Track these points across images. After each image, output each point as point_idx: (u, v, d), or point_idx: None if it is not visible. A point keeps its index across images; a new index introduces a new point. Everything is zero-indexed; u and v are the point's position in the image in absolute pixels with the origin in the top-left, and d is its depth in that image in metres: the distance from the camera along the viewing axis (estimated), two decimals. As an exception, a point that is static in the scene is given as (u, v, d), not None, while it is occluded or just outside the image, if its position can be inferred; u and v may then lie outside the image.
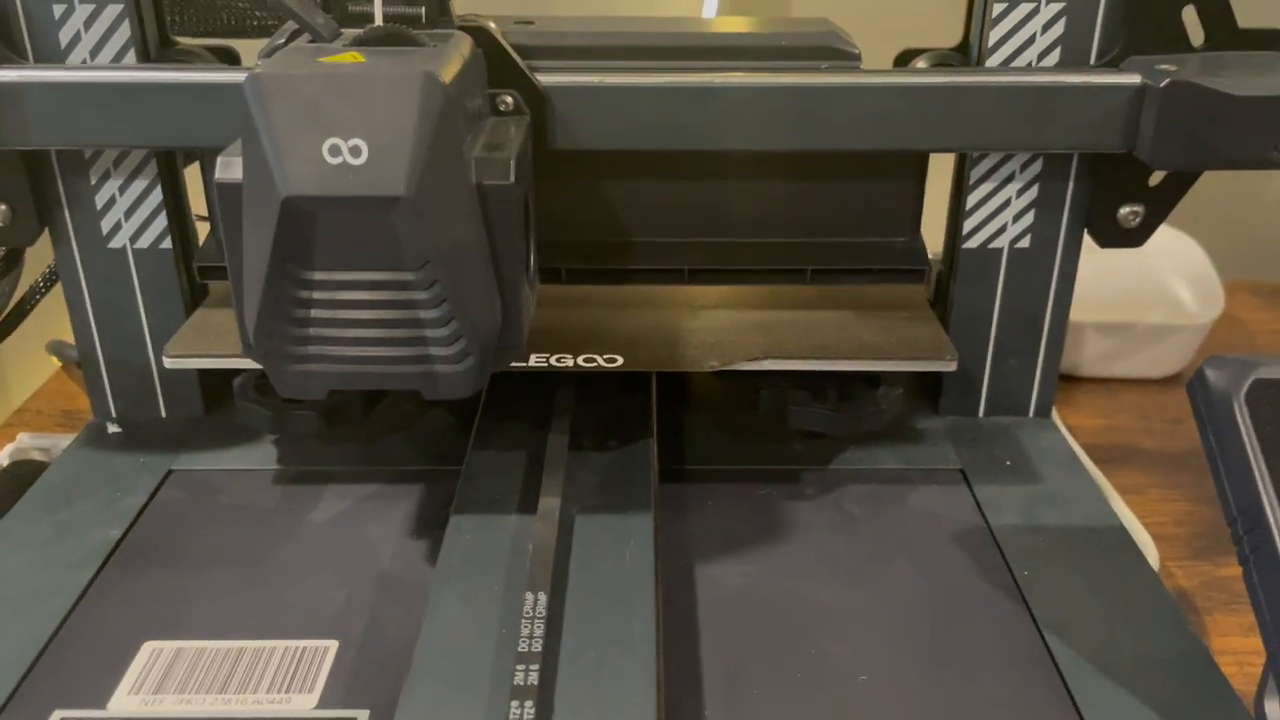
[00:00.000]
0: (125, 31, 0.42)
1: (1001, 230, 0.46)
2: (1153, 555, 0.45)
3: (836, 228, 0.46)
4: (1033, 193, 0.45)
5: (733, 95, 0.40)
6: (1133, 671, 0.35)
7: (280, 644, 0.36)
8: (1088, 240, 0.46)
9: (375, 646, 0.36)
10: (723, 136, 0.41)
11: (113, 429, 0.48)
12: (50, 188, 0.45)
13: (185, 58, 0.45)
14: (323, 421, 0.44)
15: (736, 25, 0.46)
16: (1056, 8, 0.42)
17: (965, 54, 0.46)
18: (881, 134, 0.41)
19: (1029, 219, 0.46)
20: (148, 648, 0.36)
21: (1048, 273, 0.47)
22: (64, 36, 0.42)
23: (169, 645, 0.36)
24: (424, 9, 0.38)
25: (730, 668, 0.35)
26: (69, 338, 0.49)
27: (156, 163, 0.45)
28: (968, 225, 0.46)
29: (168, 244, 0.46)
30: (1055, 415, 0.50)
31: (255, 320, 0.33)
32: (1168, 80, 0.39)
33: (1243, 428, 0.36)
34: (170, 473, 0.45)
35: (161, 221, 0.46)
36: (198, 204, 0.48)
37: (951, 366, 0.43)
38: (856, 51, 0.43)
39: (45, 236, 0.46)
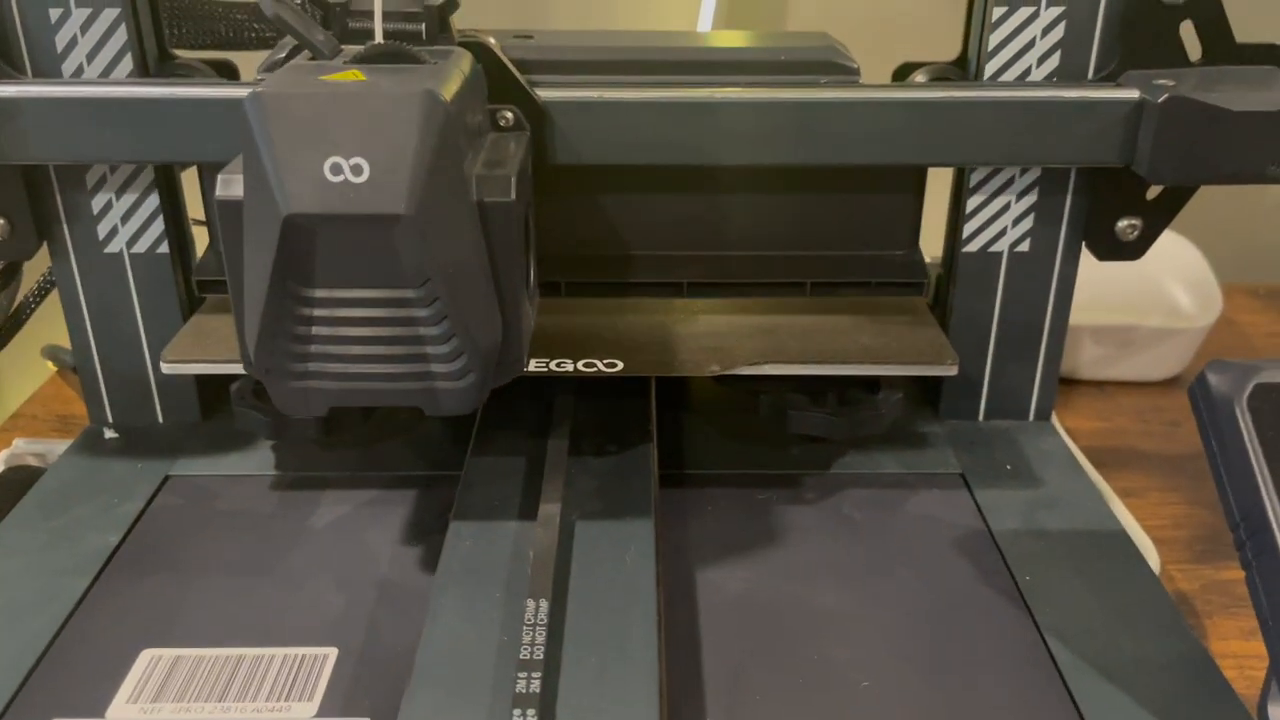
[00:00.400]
0: (122, 36, 0.42)
1: (1001, 234, 0.46)
2: (1153, 559, 0.45)
3: (835, 241, 0.46)
4: (1032, 197, 0.45)
5: (732, 110, 0.40)
6: (1134, 675, 0.35)
7: (279, 651, 0.36)
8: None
9: (375, 654, 0.36)
10: (722, 152, 0.41)
11: (109, 435, 0.48)
12: (47, 193, 0.45)
13: (184, 72, 0.45)
14: (321, 427, 0.44)
15: (735, 39, 0.46)
16: (1056, 11, 0.42)
17: (963, 68, 0.46)
18: (881, 149, 0.41)
19: (1028, 223, 0.46)
20: (146, 655, 0.36)
21: (1047, 276, 0.47)
22: (60, 41, 0.42)
23: (167, 653, 0.36)
24: (424, 25, 0.37)
25: (732, 673, 0.35)
26: (64, 342, 0.49)
27: (153, 169, 0.45)
28: (967, 229, 0.46)
29: (164, 249, 0.46)
30: (1055, 419, 0.50)
31: (256, 337, 0.33)
32: (1166, 95, 0.39)
33: (1245, 432, 0.35)
34: (167, 478, 0.45)
35: (158, 226, 0.45)
36: (194, 208, 0.48)
37: (952, 371, 0.43)
38: (855, 66, 0.43)
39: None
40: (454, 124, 0.32)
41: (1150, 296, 0.64)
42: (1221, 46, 0.42)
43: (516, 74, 0.40)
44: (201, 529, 0.42)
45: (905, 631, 0.37)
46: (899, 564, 0.40)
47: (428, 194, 0.31)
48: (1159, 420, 0.61)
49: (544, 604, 0.34)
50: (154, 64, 0.44)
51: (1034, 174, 0.45)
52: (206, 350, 0.43)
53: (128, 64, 0.43)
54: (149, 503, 0.44)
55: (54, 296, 0.48)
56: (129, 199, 0.45)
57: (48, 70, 0.42)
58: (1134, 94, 0.41)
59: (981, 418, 0.49)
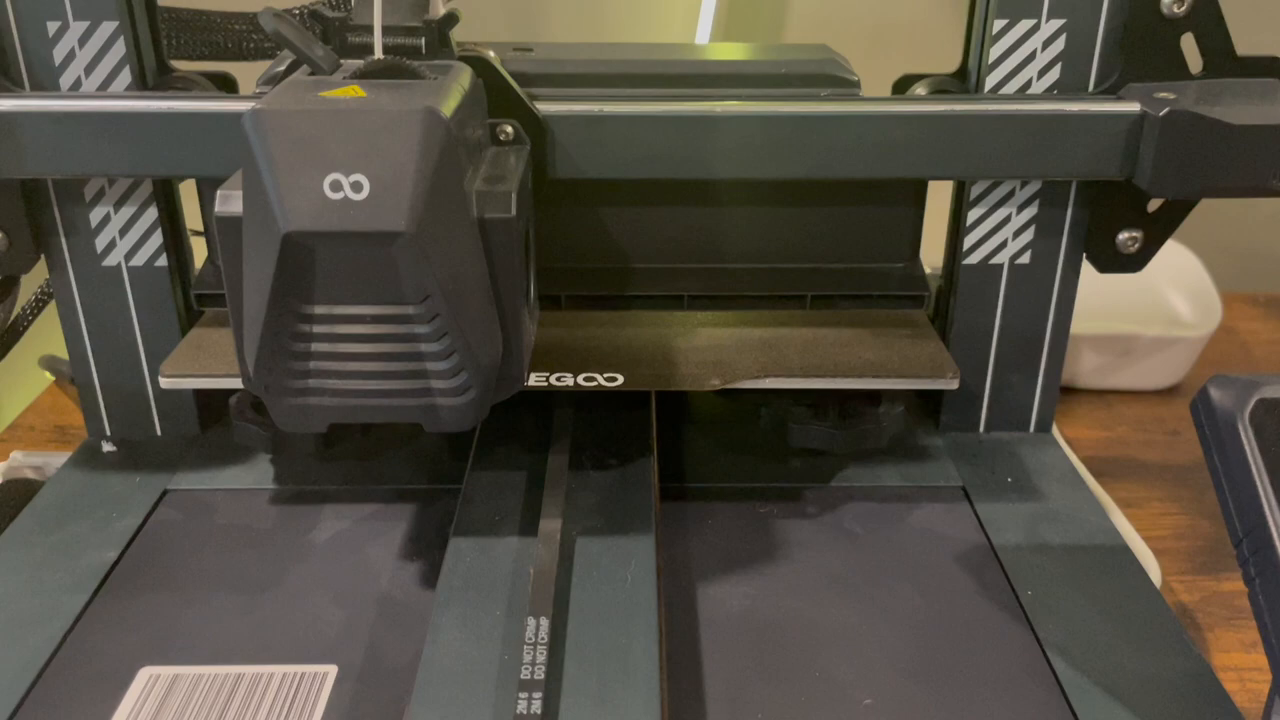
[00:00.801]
0: (120, 49, 0.42)
1: (1002, 246, 0.46)
2: (1154, 571, 0.45)
3: (836, 253, 0.46)
4: (1033, 209, 0.45)
5: (732, 124, 0.40)
6: (1137, 691, 0.35)
7: (279, 669, 0.36)
8: (1086, 253, 0.46)
9: (375, 672, 0.36)
10: (722, 165, 0.41)
11: (107, 448, 0.48)
12: (45, 207, 0.44)
13: (183, 85, 0.44)
14: (320, 440, 0.44)
15: (735, 52, 0.46)
16: (1057, 24, 0.42)
17: (964, 80, 0.46)
18: (881, 162, 0.41)
19: (1029, 235, 0.45)
20: (144, 673, 0.36)
21: (1048, 288, 0.47)
22: (58, 54, 0.42)
23: (166, 671, 0.36)
24: (424, 40, 0.37)
25: (733, 691, 0.35)
26: (61, 352, 0.49)
27: (151, 181, 0.44)
28: (968, 241, 0.46)
29: (163, 262, 0.46)
30: (1055, 430, 0.50)
31: (255, 353, 0.33)
32: (1167, 109, 0.39)
33: (1247, 448, 0.35)
34: (166, 493, 0.45)
35: (156, 239, 0.45)
36: (193, 219, 0.48)
37: (953, 384, 0.43)
38: (855, 78, 0.43)
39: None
40: (454, 140, 0.32)
41: (1150, 305, 0.64)
42: (1222, 59, 0.42)
43: (516, 88, 0.40)
44: (200, 544, 0.42)
45: (907, 648, 0.37)
46: (901, 579, 0.40)
47: (428, 211, 0.31)
48: (1160, 430, 0.61)
49: (544, 622, 0.34)
50: (152, 77, 0.44)
51: (1034, 187, 0.45)
52: (205, 365, 0.43)
53: (126, 77, 0.43)
54: (147, 517, 0.43)
55: (52, 307, 0.48)
56: (127, 212, 0.45)
57: (46, 83, 0.42)
58: (1135, 107, 0.41)
59: (982, 430, 0.49)
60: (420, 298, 0.33)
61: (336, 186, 0.31)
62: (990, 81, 0.43)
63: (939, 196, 0.47)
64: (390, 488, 0.45)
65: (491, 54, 0.41)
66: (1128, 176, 0.41)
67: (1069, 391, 0.64)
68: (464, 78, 0.36)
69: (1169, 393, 0.65)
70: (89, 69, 0.42)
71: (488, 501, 0.41)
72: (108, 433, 0.49)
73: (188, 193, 0.47)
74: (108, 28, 0.42)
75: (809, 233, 0.46)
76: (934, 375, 0.43)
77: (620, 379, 0.42)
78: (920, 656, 0.37)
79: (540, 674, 0.32)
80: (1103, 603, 0.39)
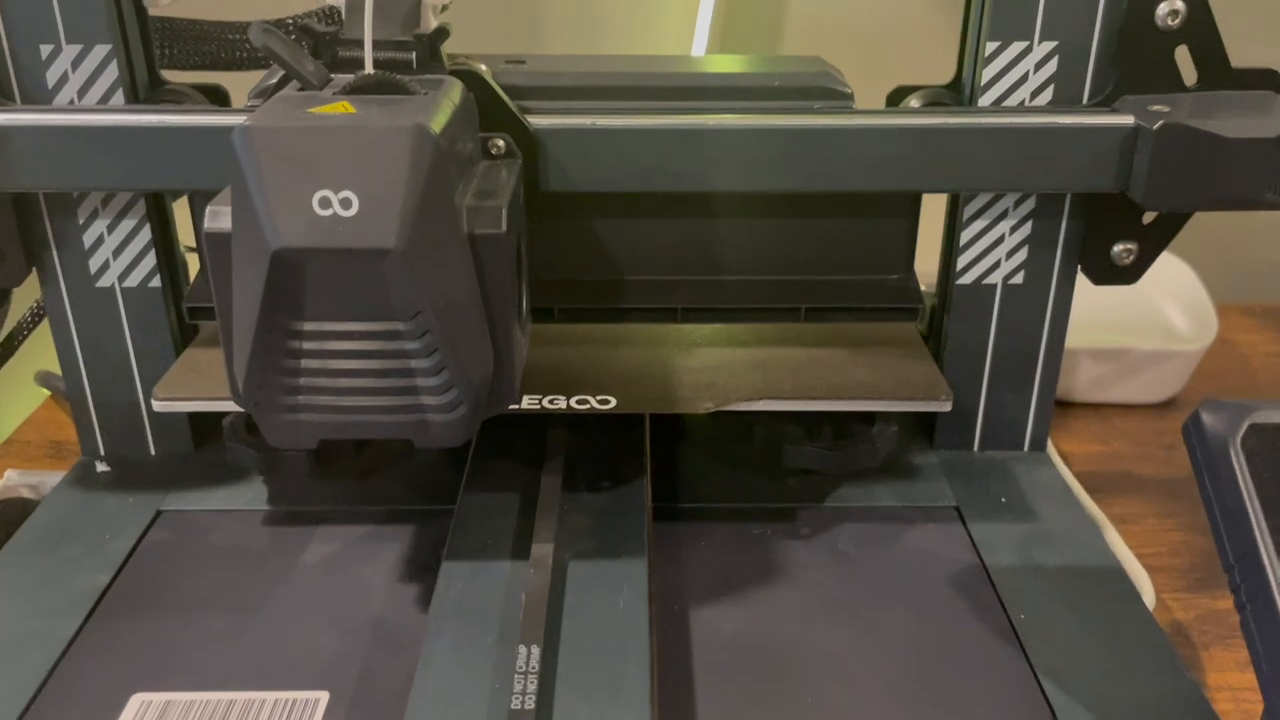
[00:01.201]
0: (113, 72, 0.42)
1: (995, 266, 0.46)
2: (1148, 590, 0.44)
3: (829, 265, 0.46)
4: (1026, 229, 0.45)
5: (726, 137, 0.40)
6: (1128, 717, 0.35)
7: (271, 695, 0.36)
8: (1082, 266, 0.46)
9: (367, 699, 0.36)
10: (715, 178, 0.41)
11: (101, 468, 0.48)
12: (38, 227, 0.44)
13: (175, 98, 0.44)
14: (313, 461, 0.44)
15: (729, 64, 0.46)
16: (1049, 46, 0.42)
17: (957, 91, 0.46)
18: (875, 175, 0.41)
19: (1022, 255, 0.45)
20: (136, 700, 0.36)
21: (1042, 308, 0.46)
22: (51, 77, 0.42)
23: (158, 697, 0.36)
24: (415, 54, 0.37)
25: (727, 718, 0.35)
26: (57, 368, 0.49)
27: (145, 201, 0.44)
28: (961, 261, 0.46)
29: (156, 282, 0.46)
30: (1050, 445, 0.50)
31: (245, 369, 0.33)
32: (1161, 122, 0.39)
33: (1239, 474, 0.35)
34: (160, 513, 0.45)
35: (150, 260, 0.45)
36: (186, 234, 0.47)
37: (946, 407, 0.43)
38: (849, 91, 0.43)
39: (32, 273, 0.45)
40: (444, 156, 0.32)
41: (1146, 319, 0.64)
42: (1217, 71, 0.42)
43: (508, 102, 0.40)
44: (193, 567, 0.42)
45: (900, 672, 0.37)
46: (894, 602, 0.40)
47: (418, 227, 0.31)
48: (1156, 444, 0.61)
49: (535, 650, 0.34)
50: (144, 91, 0.44)
51: (1028, 205, 0.45)
52: (198, 387, 0.43)
53: (119, 98, 0.43)
54: (140, 539, 0.43)
55: (46, 323, 0.48)
56: (120, 232, 0.45)
57: (38, 99, 0.42)
58: (1129, 120, 0.40)
59: (977, 448, 0.49)
60: (410, 314, 0.32)
61: (325, 203, 0.31)
62: (983, 101, 0.43)
63: (933, 213, 0.47)
64: (384, 508, 0.45)
65: (483, 67, 0.41)
66: (1122, 189, 0.41)
67: (1065, 405, 0.64)
68: (454, 92, 0.36)
69: (1165, 406, 0.65)
70: (82, 91, 0.42)
71: (480, 524, 0.40)
72: (102, 452, 0.49)
73: (181, 213, 0.47)
74: (101, 50, 0.42)
75: (803, 244, 0.46)
76: (927, 397, 0.43)
77: (613, 402, 0.42)
78: (913, 682, 0.37)
79: (531, 704, 0.32)
80: (1096, 626, 0.39)
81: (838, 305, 0.45)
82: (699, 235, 0.46)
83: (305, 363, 0.33)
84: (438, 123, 0.32)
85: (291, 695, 0.36)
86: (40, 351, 0.52)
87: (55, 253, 0.45)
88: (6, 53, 0.41)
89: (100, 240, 0.45)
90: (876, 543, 0.43)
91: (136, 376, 0.47)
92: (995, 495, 0.46)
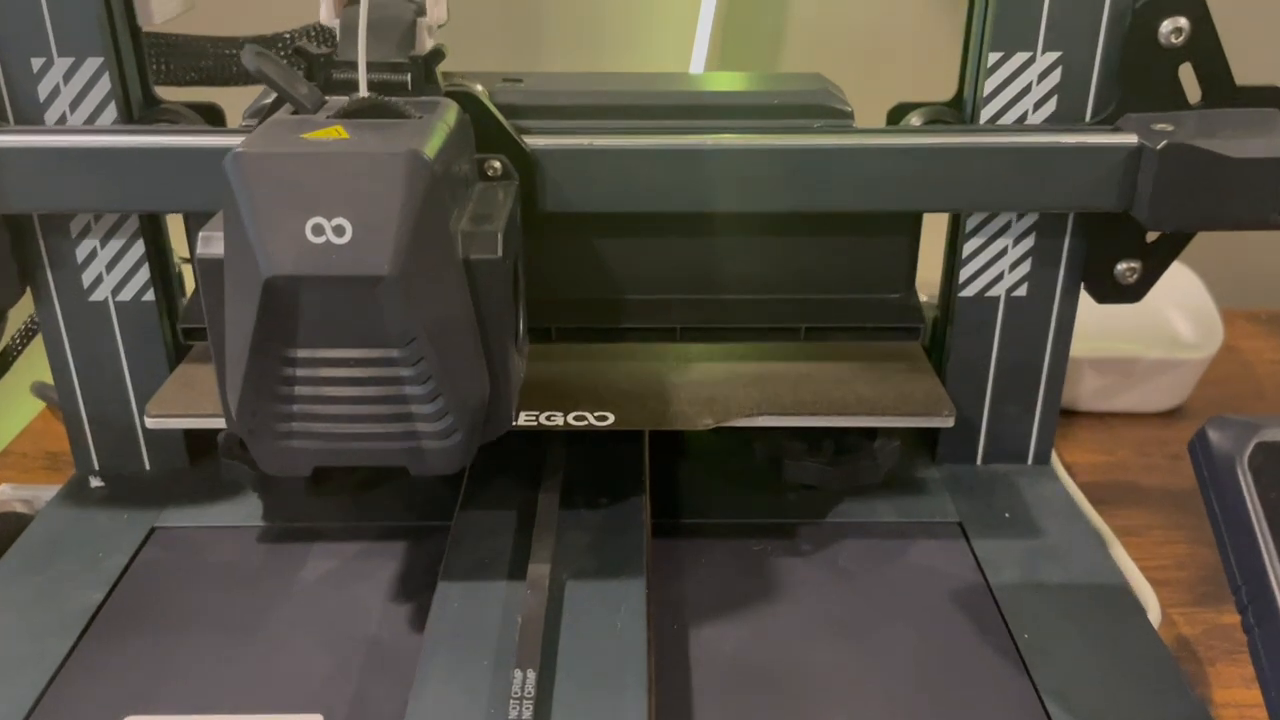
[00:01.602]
0: (105, 85, 0.42)
1: (998, 279, 0.45)
2: (1153, 606, 0.44)
3: (830, 284, 0.46)
4: (1029, 242, 0.44)
5: (723, 158, 0.40)
6: (1135, 740, 0.35)
7: (265, 719, 0.35)
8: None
9: (361, 722, 0.35)
10: (714, 199, 0.40)
11: (95, 483, 0.48)
12: (31, 242, 0.44)
13: (169, 117, 0.44)
14: (309, 477, 0.43)
15: (728, 82, 0.45)
16: (1053, 56, 0.41)
17: (959, 107, 0.45)
18: (875, 196, 0.40)
19: (1026, 268, 0.45)
20: (129, 723, 0.35)
21: (1045, 320, 0.46)
22: (43, 90, 0.42)
23: (151, 721, 0.35)
24: (410, 76, 0.37)
25: (724, 741, 0.35)
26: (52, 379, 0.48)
27: (138, 216, 0.44)
28: (964, 274, 0.45)
29: (150, 296, 0.45)
30: (1055, 456, 0.50)
31: (238, 396, 0.33)
32: (1165, 142, 0.38)
33: (1246, 494, 0.35)
34: (154, 530, 0.44)
35: (144, 274, 0.45)
36: (181, 246, 0.47)
37: (949, 422, 0.42)
38: (849, 109, 0.42)
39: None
40: (438, 182, 0.32)
41: (1151, 327, 0.63)
42: (1221, 88, 0.42)
43: (504, 122, 0.40)
44: (187, 585, 0.42)
45: (902, 694, 0.37)
46: (896, 621, 0.40)
47: (411, 254, 0.31)
48: (1161, 454, 0.60)
49: (531, 675, 0.34)
50: (139, 109, 0.43)
51: (1031, 218, 0.44)
52: (191, 404, 0.42)
53: (111, 112, 0.42)
54: (134, 556, 0.43)
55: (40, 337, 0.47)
56: (114, 247, 0.44)
57: (30, 119, 0.42)
58: (1132, 139, 0.40)
59: (980, 461, 0.49)
60: (405, 341, 0.32)
61: (319, 230, 0.31)
62: (985, 114, 0.42)
63: (935, 226, 0.46)
64: (381, 524, 0.45)
65: (479, 88, 0.40)
66: (1125, 209, 0.41)
67: (1069, 414, 0.63)
68: (450, 115, 0.36)
69: (1171, 415, 0.64)
70: (74, 104, 0.42)
71: (477, 543, 0.40)
72: (96, 467, 0.48)
73: (175, 225, 0.47)
74: (93, 63, 0.41)
75: (803, 264, 0.46)
76: (929, 413, 0.42)
77: (611, 418, 0.41)
78: (915, 703, 0.36)
79: (527, 729, 0.32)
80: (1100, 645, 0.38)
81: (838, 325, 0.45)
82: (697, 254, 0.45)
83: (299, 390, 0.33)
84: (431, 148, 0.32)
85: (285, 719, 0.35)
86: (36, 362, 0.52)
87: (48, 267, 0.44)
88: (-3, 66, 0.41)
89: (93, 255, 0.44)
90: (878, 560, 0.43)
91: (131, 391, 0.47)
92: (999, 510, 0.46)
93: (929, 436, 0.49)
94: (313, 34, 0.47)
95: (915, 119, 0.45)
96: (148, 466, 0.48)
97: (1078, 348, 0.49)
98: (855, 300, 0.46)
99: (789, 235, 0.45)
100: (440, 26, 0.39)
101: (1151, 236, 0.44)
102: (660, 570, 0.42)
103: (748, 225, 0.45)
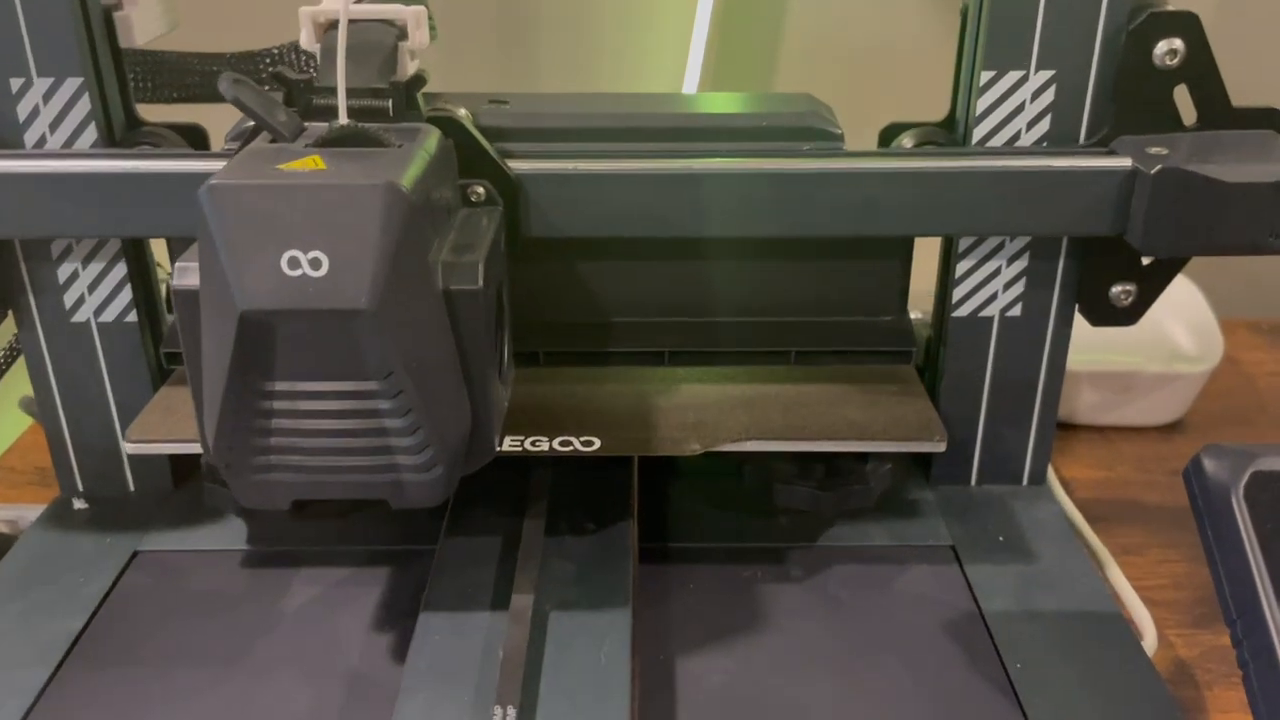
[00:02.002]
0: (85, 105, 0.41)
1: (992, 299, 0.44)
2: (1150, 631, 0.43)
3: (820, 307, 0.45)
4: (1023, 263, 0.44)
5: (711, 182, 0.39)
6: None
7: (243, 754, 0.35)
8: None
9: (341, 758, 0.35)
10: (701, 224, 0.40)
11: (79, 505, 0.47)
12: (11, 262, 0.43)
13: (151, 139, 0.43)
14: (293, 502, 0.43)
15: (716, 103, 0.44)
16: (1046, 75, 0.40)
17: (951, 127, 0.44)
18: (865, 221, 0.40)
19: (1020, 287, 0.44)
20: (106, 758, 0.35)
21: (1040, 341, 0.45)
22: (22, 111, 0.41)
23: (127, 757, 0.35)
24: (391, 102, 0.36)
25: (710, 778, 0.34)
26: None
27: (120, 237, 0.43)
28: (957, 294, 0.44)
29: (133, 318, 0.45)
30: (1051, 473, 0.49)
31: (215, 429, 0.32)
32: (1159, 166, 0.38)
33: (1241, 525, 0.34)
34: (136, 554, 0.44)
35: (126, 295, 0.44)
36: (166, 265, 0.47)
37: (940, 447, 0.42)
38: (839, 132, 0.41)
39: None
40: (417, 213, 0.31)
41: (1150, 340, 0.62)
42: (1217, 110, 0.41)
43: (488, 147, 0.39)
44: (168, 612, 0.41)
45: (891, 728, 0.36)
46: (887, 651, 0.39)
47: (390, 287, 0.30)
48: (1160, 469, 0.60)
49: (512, 712, 0.33)
50: (120, 130, 0.43)
51: (1025, 239, 0.43)
52: (172, 429, 0.42)
53: (92, 133, 0.42)
54: (116, 582, 0.42)
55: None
56: (96, 268, 0.44)
57: (9, 140, 0.41)
58: (1126, 163, 0.39)
59: (974, 482, 0.48)
60: (383, 374, 0.32)
61: (294, 263, 0.30)
62: (978, 133, 0.42)
63: (928, 250, 0.46)
64: (365, 548, 0.44)
65: (463, 111, 0.40)
66: (1119, 234, 0.40)
67: (1067, 428, 0.62)
68: (430, 142, 0.35)
69: (1170, 429, 0.63)
70: (54, 125, 0.41)
71: (459, 572, 0.39)
72: (79, 488, 0.48)
73: (159, 245, 0.46)
74: (72, 84, 0.41)
75: (792, 286, 0.45)
76: (921, 438, 0.41)
77: (597, 443, 0.41)
78: (904, 737, 0.36)
79: (506, 769, 0.32)
80: (1094, 678, 0.38)
81: (828, 349, 0.44)
82: (686, 277, 0.44)
83: (276, 423, 0.32)
84: (410, 178, 0.31)
85: (264, 755, 0.35)
86: (25, 377, 0.51)
87: (29, 288, 0.44)
88: (-26, 87, 0.41)
89: (75, 276, 0.44)
90: (869, 586, 0.42)
91: (114, 413, 0.46)
92: (993, 534, 0.45)
93: (923, 457, 0.49)
94: (299, 51, 0.47)
95: (907, 140, 0.45)
96: (132, 488, 0.48)
97: (1076, 361, 0.48)
98: (846, 323, 0.45)
99: (778, 258, 0.44)
100: (419, 51, 0.38)
101: (1147, 260, 0.43)
102: (647, 597, 0.41)
103: (736, 248, 0.44)
